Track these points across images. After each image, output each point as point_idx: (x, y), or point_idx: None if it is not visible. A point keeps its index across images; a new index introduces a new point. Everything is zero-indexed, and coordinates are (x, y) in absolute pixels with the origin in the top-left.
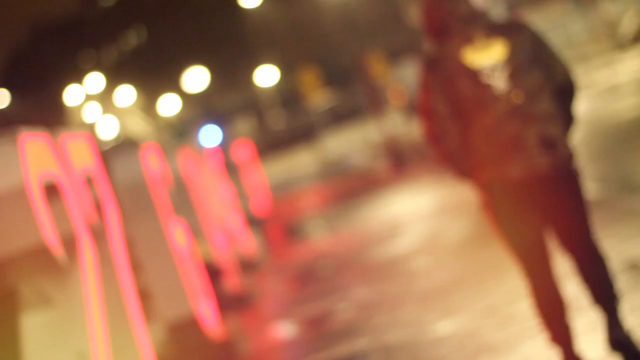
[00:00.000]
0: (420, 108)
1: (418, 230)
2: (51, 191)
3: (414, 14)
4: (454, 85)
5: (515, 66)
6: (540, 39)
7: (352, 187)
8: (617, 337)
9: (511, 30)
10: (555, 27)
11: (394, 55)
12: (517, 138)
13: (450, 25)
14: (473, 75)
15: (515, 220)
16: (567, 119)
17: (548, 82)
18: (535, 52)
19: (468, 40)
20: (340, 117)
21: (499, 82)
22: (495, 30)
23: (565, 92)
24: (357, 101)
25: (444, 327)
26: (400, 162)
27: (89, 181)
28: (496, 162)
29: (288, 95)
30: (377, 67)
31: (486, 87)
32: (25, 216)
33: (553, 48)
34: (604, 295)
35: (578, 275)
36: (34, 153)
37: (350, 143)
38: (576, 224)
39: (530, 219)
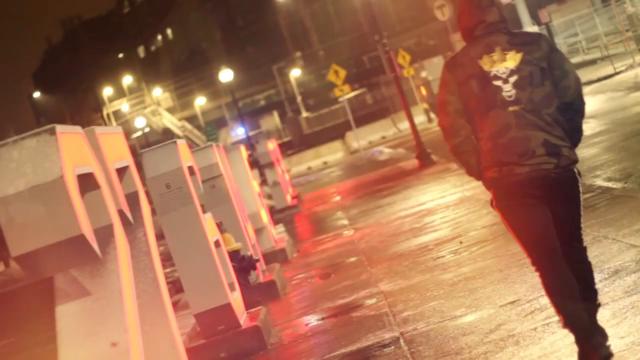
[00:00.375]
0: (437, 103)
1: (444, 224)
2: (86, 183)
3: (443, 14)
4: (468, 87)
5: (526, 77)
6: (556, 57)
7: (379, 180)
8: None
9: (531, 43)
10: (580, 24)
11: (423, 53)
12: (522, 143)
13: (477, 31)
14: (487, 80)
15: (521, 217)
16: (571, 132)
17: (557, 96)
18: (549, 67)
19: (489, 47)
20: (369, 112)
21: (512, 89)
22: (515, 40)
23: (572, 108)
24: (384, 97)
25: (469, 318)
26: (427, 156)
27: (122, 174)
28: (502, 163)
29: (316, 90)
30: (405, 64)
31: (497, 93)
32: (62, 207)
33: (567, 66)
34: (585, 302)
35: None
36: (70, 147)
37: (378, 138)
38: (570, 228)
39: (535, 215)
